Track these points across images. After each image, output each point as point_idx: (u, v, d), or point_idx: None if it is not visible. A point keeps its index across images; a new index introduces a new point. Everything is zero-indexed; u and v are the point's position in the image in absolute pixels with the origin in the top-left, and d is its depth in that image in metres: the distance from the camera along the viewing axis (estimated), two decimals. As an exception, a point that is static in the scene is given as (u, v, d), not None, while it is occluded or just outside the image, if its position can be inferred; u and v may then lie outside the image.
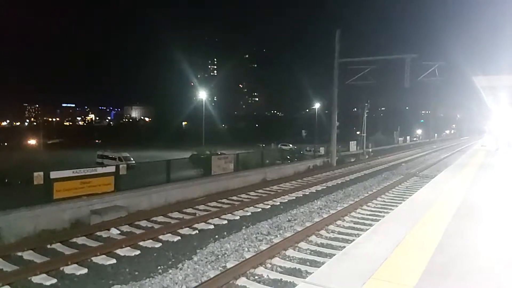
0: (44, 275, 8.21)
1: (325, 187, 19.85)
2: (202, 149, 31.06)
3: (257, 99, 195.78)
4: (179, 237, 11.01)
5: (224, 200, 16.27)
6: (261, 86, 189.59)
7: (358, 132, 48.13)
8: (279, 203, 15.76)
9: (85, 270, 8.55)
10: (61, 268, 8.58)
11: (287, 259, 9.17)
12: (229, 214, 13.67)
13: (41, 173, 12.55)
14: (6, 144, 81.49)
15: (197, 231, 11.65)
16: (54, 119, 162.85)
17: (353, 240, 8.42)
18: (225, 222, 12.81)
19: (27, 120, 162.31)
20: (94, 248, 9.92)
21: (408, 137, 74.52)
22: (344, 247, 7.57)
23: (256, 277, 8.04)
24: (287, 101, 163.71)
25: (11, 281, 7.80)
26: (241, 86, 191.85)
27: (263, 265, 8.60)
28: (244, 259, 8.93)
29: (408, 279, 3.90)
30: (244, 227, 12.02)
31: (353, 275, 4.00)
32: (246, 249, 9.95)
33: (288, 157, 32.44)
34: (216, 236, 11.06)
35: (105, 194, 13.92)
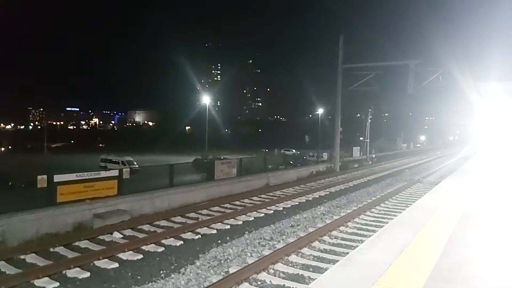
0: (47, 278, 8.22)
1: (328, 193, 19.78)
2: (205, 153, 31.13)
3: (260, 104, 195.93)
4: (182, 242, 10.99)
5: (227, 205, 16.25)
6: (264, 91, 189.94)
7: (361, 138, 48.02)
8: (282, 209, 15.72)
9: (87, 274, 8.54)
10: (63, 272, 8.58)
11: (290, 264, 9.13)
12: (232, 219, 13.64)
13: (45, 176, 12.59)
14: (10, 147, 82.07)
15: (199, 236, 11.63)
16: (58, 123, 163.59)
17: (357, 246, 8.37)
18: (228, 227, 12.78)
19: (32, 124, 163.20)
20: (96, 252, 9.92)
21: (411, 143, 74.22)
22: (348, 253, 7.54)
23: (259, 283, 8.00)
24: (290, 106, 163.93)
25: (14, 284, 7.81)
26: (245, 91, 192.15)
27: (266, 271, 8.56)
28: (246, 264, 8.89)
29: (412, 285, 3.87)
30: (247, 232, 11.99)
31: (357, 281, 3.98)
32: (249, 254, 9.91)
33: (291, 162, 32.40)
34: (219, 241, 11.04)
35: (108, 198, 13.94)
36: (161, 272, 8.72)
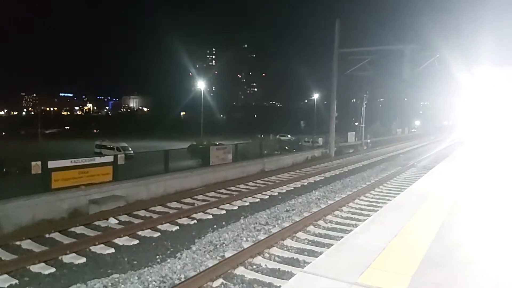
0: (43, 264, 8.25)
1: (323, 178, 19.89)
2: (200, 139, 31.07)
3: (255, 89, 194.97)
4: (178, 227, 11.06)
5: (223, 190, 16.30)
6: (259, 77, 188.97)
7: (356, 123, 48.09)
8: (277, 194, 15.80)
9: (83, 259, 8.59)
10: (59, 257, 8.62)
11: (285, 248, 9.22)
12: (228, 204, 13.71)
13: (39, 163, 12.53)
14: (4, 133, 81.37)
15: (195, 221, 11.70)
16: (52, 109, 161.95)
17: (351, 230, 8.46)
18: (224, 212, 12.85)
19: (25, 110, 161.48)
20: (92, 237, 9.95)
21: (406, 128, 74.51)
22: (342, 237, 7.61)
23: (254, 267, 8.09)
24: (285, 92, 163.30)
25: (10, 270, 7.83)
26: (240, 76, 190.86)
27: (261, 255, 8.65)
28: (242, 248, 8.98)
29: (405, 269, 3.92)
30: (242, 217, 12.07)
31: (351, 264, 4.01)
32: (245, 238, 9.99)
33: (287, 147, 32.52)
34: (215, 226, 11.11)
35: (103, 184, 13.92)
36: (157, 257, 8.78)
